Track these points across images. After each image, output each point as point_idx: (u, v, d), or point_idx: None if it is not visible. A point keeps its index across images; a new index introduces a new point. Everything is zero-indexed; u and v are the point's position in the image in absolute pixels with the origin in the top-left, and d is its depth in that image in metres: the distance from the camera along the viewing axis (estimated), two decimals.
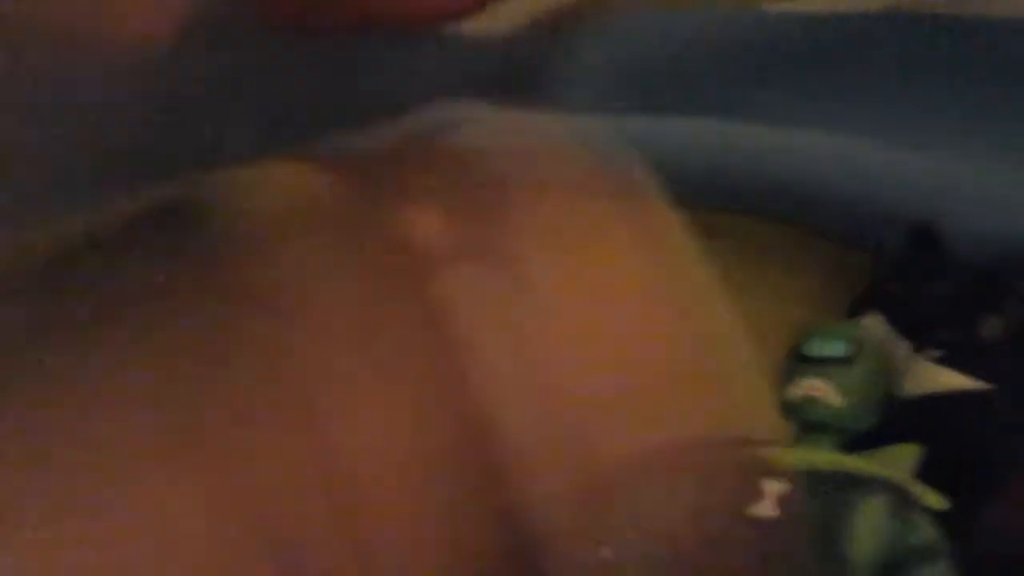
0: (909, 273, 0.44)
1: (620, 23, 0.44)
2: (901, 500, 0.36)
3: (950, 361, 0.42)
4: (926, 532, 0.37)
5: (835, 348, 0.39)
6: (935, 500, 0.38)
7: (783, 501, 0.35)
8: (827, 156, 0.44)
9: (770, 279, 0.43)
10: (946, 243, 0.44)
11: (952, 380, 0.42)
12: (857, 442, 0.40)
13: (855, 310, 0.45)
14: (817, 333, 0.40)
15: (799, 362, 0.39)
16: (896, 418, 0.44)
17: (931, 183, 0.45)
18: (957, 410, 0.41)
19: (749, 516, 0.33)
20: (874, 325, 0.44)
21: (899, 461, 0.39)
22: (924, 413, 0.42)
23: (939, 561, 0.36)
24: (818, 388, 0.38)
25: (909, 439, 0.43)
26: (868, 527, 0.35)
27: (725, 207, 0.43)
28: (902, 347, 0.44)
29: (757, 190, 0.43)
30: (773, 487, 0.35)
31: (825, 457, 0.37)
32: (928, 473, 0.42)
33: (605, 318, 0.18)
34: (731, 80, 0.45)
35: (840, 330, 0.40)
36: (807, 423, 0.38)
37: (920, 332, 0.44)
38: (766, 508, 0.34)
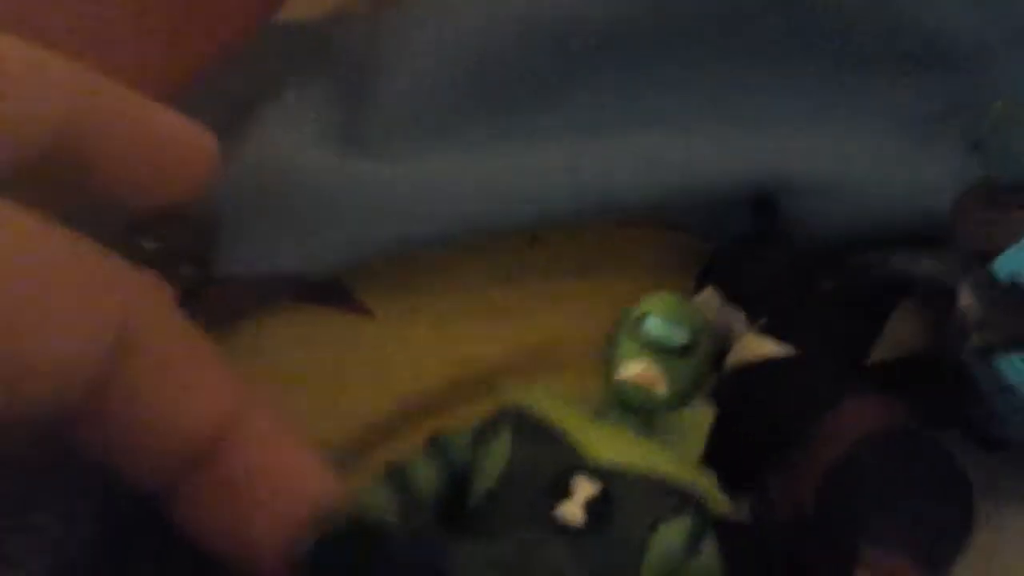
0: (741, 244, 0.43)
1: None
2: (698, 520, 0.34)
3: (771, 329, 0.41)
4: (711, 562, 0.34)
5: (675, 335, 0.36)
6: (725, 505, 0.35)
7: (590, 506, 0.32)
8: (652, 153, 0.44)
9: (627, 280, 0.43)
10: (783, 216, 0.42)
11: (763, 348, 0.40)
12: None
13: (698, 284, 0.44)
14: (659, 311, 0.36)
15: (633, 340, 0.36)
16: (718, 393, 0.42)
17: (774, 164, 0.43)
18: (759, 378, 0.40)
19: (551, 518, 0.32)
20: (709, 299, 0.43)
21: (693, 433, 0.37)
22: (732, 384, 0.41)
23: None
24: (646, 376, 0.35)
25: (720, 410, 0.41)
26: (664, 550, 0.33)
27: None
28: (736, 319, 0.42)
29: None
30: (584, 487, 0.33)
31: (640, 455, 0.35)
32: (727, 446, 0.40)
33: None
34: (572, 59, 0.45)
35: (682, 314, 0.37)
36: (626, 403, 0.36)
37: (752, 302, 0.42)
38: (573, 511, 0.32)
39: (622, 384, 0.36)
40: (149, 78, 0.34)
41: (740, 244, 0.45)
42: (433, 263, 0.45)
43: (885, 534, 0.36)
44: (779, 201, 0.45)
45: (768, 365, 0.41)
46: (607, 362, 0.37)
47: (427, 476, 0.35)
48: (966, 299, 0.38)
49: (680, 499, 0.34)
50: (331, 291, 0.42)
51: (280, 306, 0.42)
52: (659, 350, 0.36)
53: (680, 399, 0.37)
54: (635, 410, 0.36)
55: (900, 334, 0.45)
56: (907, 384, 0.42)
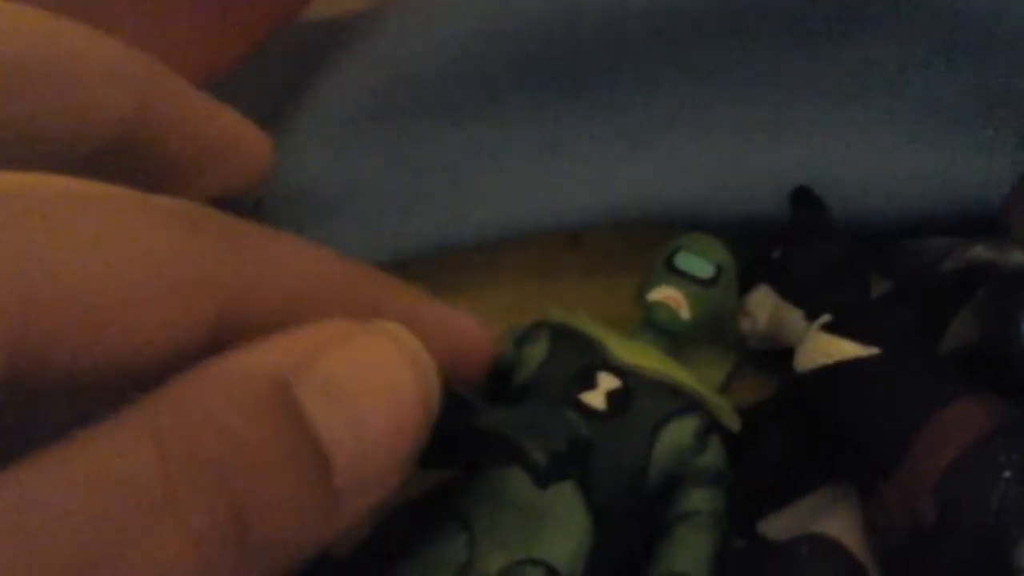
0: (792, 239, 0.41)
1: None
2: (705, 423, 0.38)
3: (839, 326, 0.39)
4: (717, 456, 0.38)
5: (702, 268, 0.41)
6: (732, 419, 0.39)
7: (611, 396, 0.37)
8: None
9: None
10: (827, 208, 0.41)
11: (840, 348, 0.38)
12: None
13: (745, 284, 0.42)
14: (690, 248, 0.42)
15: (667, 269, 0.41)
16: (793, 395, 0.40)
17: (801, 158, 0.42)
18: (845, 381, 0.38)
19: (578, 401, 0.36)
20: (763, 297, 0.41)
21: (714, 368, 0.42)
22: (816, 387, 0.39)
23: (716, 487, 0.37)
24: (674, 298, 0.40)
25: (804, 416, 0.40)
26: (672, 442, 0.37)
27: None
28: (796, 315, 0.40)
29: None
30: (606, 380, 0.37)
31: (659, 363, 0.39)
32: (823, 450, 0.38)
33: None
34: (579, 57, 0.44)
35: (711, 251, 0.42)
36: (653, 325, 0.41)
37: (809, 298, 0.40)
38: (596, 399, 0.37)
39: (652, 305, 0.41)
40: (185, 72, 0.32)
41: (789, 238, 0.43)
42: (473, 260, 0.44)
43: None
44: (822, 194, 0.44)
45: (858, 366, 0.39)
46: (641, 288, 0.42)
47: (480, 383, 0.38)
48: None
49: (689, 402, 0.38)
50: None
51: None
52: (686, 280, 0.41)
53: (701, 325, 0.41)
54: (662, 331, 0.41)
55: (955, 327, 0.44)
56: (983, 377, 0.42)
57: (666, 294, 0.40)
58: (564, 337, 0.39)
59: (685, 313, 0.40)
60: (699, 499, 0.37)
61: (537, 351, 0.39)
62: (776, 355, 0.42)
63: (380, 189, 0.43)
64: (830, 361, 0.40)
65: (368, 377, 0.22)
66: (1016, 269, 0.39)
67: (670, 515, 0.37)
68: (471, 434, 0.35)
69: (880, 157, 0.44)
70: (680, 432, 0.37)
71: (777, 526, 0.39)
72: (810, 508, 0.39)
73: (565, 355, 0.38)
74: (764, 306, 0.43)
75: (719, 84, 0.45)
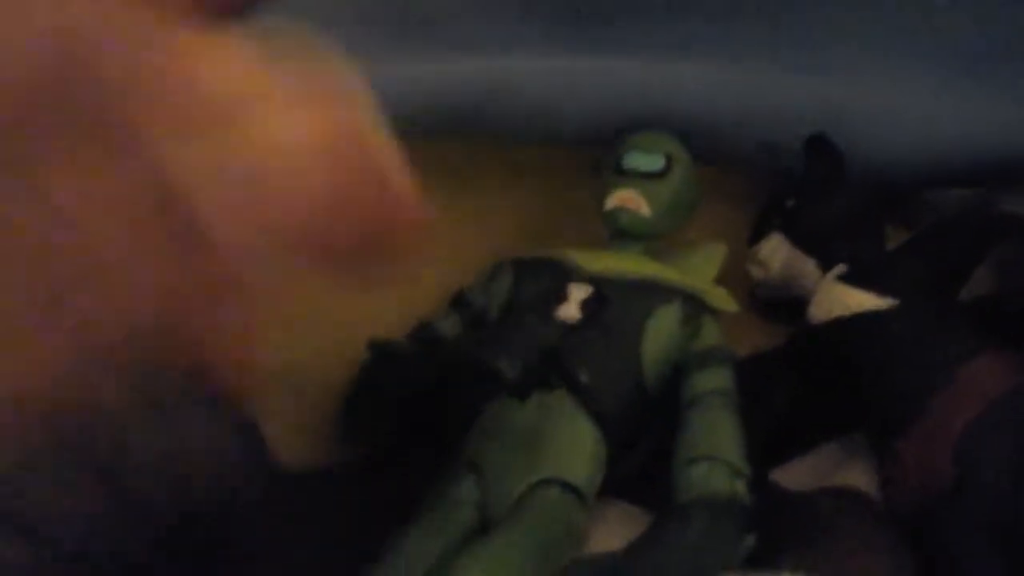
0: (807, 188, 0.40)
1: None
2: (693, 307, 0.38)
3: (855, 277, 0.37)
4: (712, 337, 0.38)
5: (650, 162, 0.41)
6: (727, 303, 0.39)
7: (585, 304, 0.36)
8: (705, 83, 0.41)
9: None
10: (844, 155, 0.40)
11: (857, 300, 0.37)
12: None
13: (758, 231, 0.41)
14: (636, 146, 0.41)
15: (617, 174, 0.41)
16: (806, 345, 0.39)
17: (827, 100, 0.41)
18: (863, 333, 0.37)
19: (554, 317, 0.36)
20: (777, 246, 0.40)
21: (706, 263, 0.41)
22: (832, 338, 0.37)
23: (721, 363, 0.37)
24: (630, 199, 0.40)
25: (819, 367, 0.39)
26: (659, 332, 0.37)
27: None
28: (809, 264, 0.39)
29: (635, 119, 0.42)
30: (578, 291, 0.37)
31: (631, 264, 0.39)
32: (835, 403, 0.37)
33: None
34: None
35: (657, 144, 0.41)
36: (620, 230, 0.41)
37: (824, 248, 0.39)
38: (570, 310, 0.36)
39: (611, 212, 0.41)
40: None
41: (803, 186, 0.42)
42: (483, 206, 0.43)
43: None
44: (837, 142, 0.42)
45: (875, 319, 0.37)
46: (597, 199, 0.41)
47: (452, 324, 0.39)
48: None
49: (669, 293, 0.38)
50: None
51: None
52: (639, 178, 0.41)
53: (665, 219, 0.41)
54: (630, 235, 0.41)
55: (975, 277, 0.43)
56: (1003, 328, 0.40)
57: (621, 197, 0.40)
58: (529, 265, 0.40)
59: (645, 210, 0.40)
60: (705, 380, 0.36)
61: (504, 283, 0.39)
62: (786, 306, 0.42)
63: None
64: (847, 313, 0.39)
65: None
66: None
67: (682, 403, 0.37)
68: (442, 363, 0.36)
69: (908, 101, 0.42)
70: (666, 321, 0.37)
71: (791, 477, 0.38)
72: (826, 460, 0.38)
73: (532, 279, 0.39)
74: (777, 255, 0.41)
75: (746, 18, 0.44)
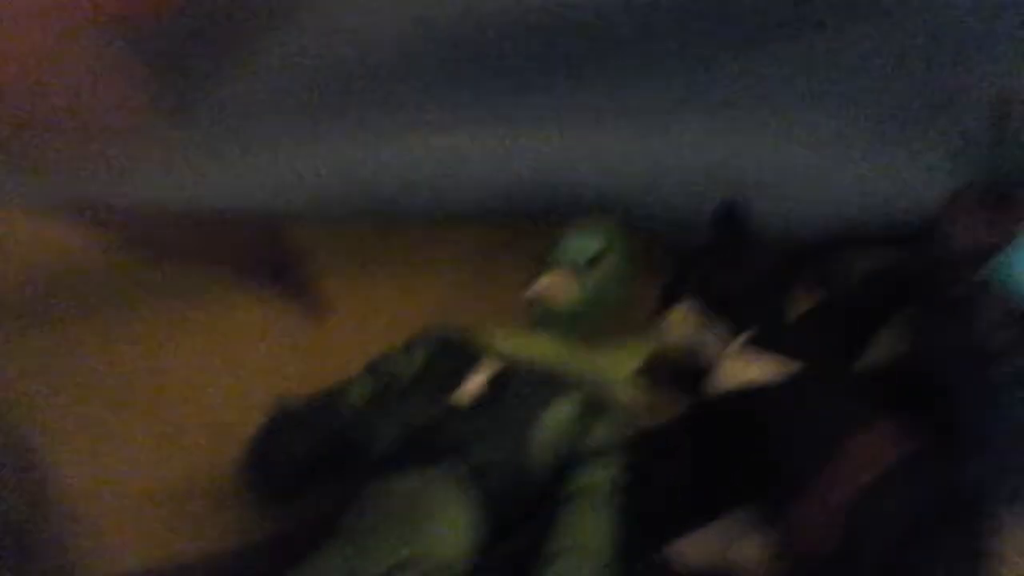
0: (717, 254, 0.41)
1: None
2: (593, 400, 0.39)
3: (760, 342, 0.38)
4: (605, 433, 0.39)
5: (584, 249, 0.42)
6: (631, 395, 0.40)
7: (486, 388, 0.38)
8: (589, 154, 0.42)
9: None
10: (753, 222, 0.40)
11: (755, 371, 0.38)
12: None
13: (667, 295, 0.42)
14: (573, 233, 0.42)
15: (552, 258, 0.43)
16: (705, 415, 0.40)
17: (735, 166, 0.41)
18: (759, 405, 0.38)
19: (451, 396, 0.37)
20: (686, 313, 0.41)
21: (627, 357, 0.42)
22: (729, 409, 0.39)
23: (608, 460, 0.38)
24: (557, 285, 0.41)
25: (719, 437, 0.39)
26: (552, 424, 0.39)
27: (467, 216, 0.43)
28: (715, 332, 0.40)
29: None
30: (481, 374, 0.38)
31: (542, 351, 0.40)
32: (738, 472, 0.38)
33: None
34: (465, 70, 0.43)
35: (594, 234, 0.42)
36: (544, 314, 0.42)
37: (732, 314, 0.40)
38: (469, 392, 0.38)
39: (537, 296, 0.42)
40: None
41: (713, 250, 0.42)
42: (396, 271, 0.44)
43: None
44: (749, 203, 0.43)
45: (772, 390, 0.38)
46: (531, 281, 0.43)
47: (362, 392, 0.41)
48: (987, 320, 0.36)
49: (571, 385, 0.39)
50: (290, 279, 0.43)
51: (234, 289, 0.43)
52: (572, 263, 0.42)
53: (594, 305, 0.42)
54: (551, 320, 0.42)
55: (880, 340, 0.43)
56: (901, 394, 0.41)
57: (547, 283, 0.42)
58: (445, 340, 0.41)
59: (568, 297, 0.42)
60: (585, 477, 0.38)
61: (418, 356, 0.41)
62: (691, 375, 0.42)
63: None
64: (744, 384, 0.39)
65: None
66: (951, 282, 0.38)
67: (563, 495, 0.38)
68: (334, 441, 0.38)
69: (816, 163, 0.43)
70: (561, 414, 0.39)
71: (693, 550, 0.39)
72: (727, 530, 0.39)
73: (445, 355, 0.40)
74: (687, 320, 0.42)
75: (659, 78, 0.44)
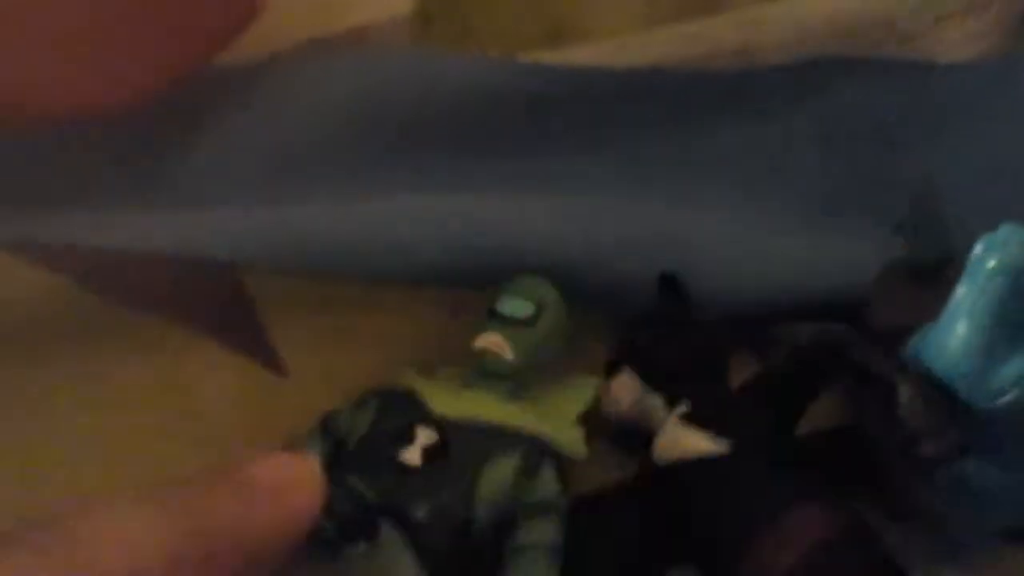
0: (655, 325, 0.42)
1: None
2: (536, 454, 0.40)
3: (695, 417, 0.39)
4: (547, 488, 0.39)
5: (519, 308, 0.42)
6: (576, 447, 0.41)
7: (427, 451, 0.38)
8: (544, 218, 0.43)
9: None
10: (693, 295, 0.42)
11: (693, 442, 0.39)
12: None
13: (612, 367, 0.43)
14: (508, 292, 0.43)
15: (490, 316, 0.43)
16: (649, 482, 0.41)
17: (680, 241, 0.43)
18: (695, 478, 0.39)
19: (397, 459, 0.37)
20: (627, 382, 0.42)
21: (573, 399, 0.43)
22: (669, 479, 0.39)
23: (550, 516, 0.39)
24: (495, 343, 0.42)
25: (662, 504, 0.40)
26: (494, 480, 0.39)
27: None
28: (657, 401, 0.41)
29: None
30: (423, 435, 0.39)
31: (483, 409, 0.41)
32: (682, 542, 0.39)
33: None
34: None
35: (530, 291, 0.43)
36: (483, 371, 0.42)
37: (669, 385, 0.41)
38: (413, 454, 0.38)
39: (477, 352, 0.43)
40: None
41: (653, 325, 0.43)
42: (357, 330, 0.45)
43: None
44: (684, 279, 0.44)
45: (707, 463, 0.39)
46: (472, 337, 0.43)
47: (314, 447, 0.41)
48: (907, 402, 0.38)
49: (512, 441, 0.40)
50: (253, 341, 0.44)
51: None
52: (507, 323, 0.43)
53: (528, 363, 0.42)
54: (492, 375, 0.42)
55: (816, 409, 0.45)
56: (833, 460, 0.42)
57: (488, 340, 0.42)
58: (391, 399, 0.41)
59: (508, 355, 0.41)
60: (527, 533, 0.38)
61: (367, 414, 0.41)
62: (640, 437, 0.43)
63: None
64: (683, 455, 0.40)
65: None
66: (874, 361, 0.39)
67: (506, 549, 0.38)
68: None
69: (756, 240, 0.44)
70: (502, 470, 0.39)
71: None
72: None
73: (390, 417, 0.40)
74: (628, 390, 0.43)
75: (598, 154, 0.47)
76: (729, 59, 0.46)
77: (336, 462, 0.40)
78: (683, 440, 0.41)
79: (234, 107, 0.44)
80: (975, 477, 0.38)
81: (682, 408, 0.42)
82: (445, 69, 0.46)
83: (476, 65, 0.46)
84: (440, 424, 0.39)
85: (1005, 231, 0.38)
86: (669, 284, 0.44)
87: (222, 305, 0.43)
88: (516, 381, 0.42)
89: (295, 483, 0.26)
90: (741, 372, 0.44)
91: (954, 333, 0.37)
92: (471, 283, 0.44)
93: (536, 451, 0.39)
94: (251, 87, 0.45)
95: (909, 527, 0.41)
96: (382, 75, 0.44)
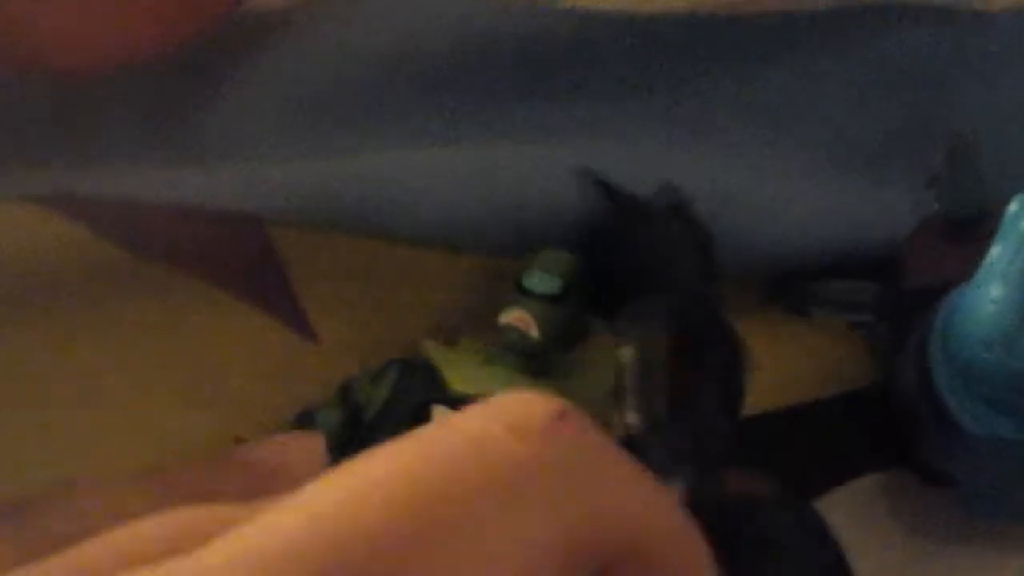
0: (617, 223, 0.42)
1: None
2: None
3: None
4: None
5: (548, 283, 0.41)
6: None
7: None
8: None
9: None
10: (730, 246, 0.41)
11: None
12: None
13: None
14: (537, 266, 0.42)
15: (517, 291, 0.42)
16: None
17: (716, 190, 0.42)
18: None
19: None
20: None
21: (599, 377, 0.40)
22: None
23: None
24: (522, 319, 0.41)
25: None
26: None
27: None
28: None
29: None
30: (439, 415, 0.39)
31: (502, 386, 0.39)
32: None
33: None
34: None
35: (559, 267, 0.42)
36: (507, 347, 0.41)
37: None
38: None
39: (503, 328, 0.42)
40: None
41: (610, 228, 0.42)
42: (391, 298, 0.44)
43: None
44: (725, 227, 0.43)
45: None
46: (497, 311, 0.42)
47: (332, 416, 0.40)
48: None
49: None
50: (282, 302, 0.43)
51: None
52: (534, 299, 0.42)
53: (555, 342, 0.42)
54: (516, 352, 0.42)
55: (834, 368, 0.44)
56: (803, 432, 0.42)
57: (514, 316, 0.41)
58: (410, 373, 0.41)
59: (534, 332, 0.41)
60: None
61: (384, 388, 0.40)
62: None
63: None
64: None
65: None
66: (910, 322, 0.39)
67: None
68: None
69: (795, 190, 0.43)
70: None
71: None
72: None
73: (407, 392, 0.40)
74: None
75: (636, 101, 0.45)
76: (772, 3, 0.45)
77: (352, 436, 0.40)
78: None
79: (262, 53, 0.44)
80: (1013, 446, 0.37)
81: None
82: (479, 12, 0.45)
83: (510, 9, 0.45)
84: (456, 404, 0.39)
85: None
86: (603, 185, 0.43)
87: (250, 262, 0.42)
88: (540, 359, 0.41)
89: (298, 464, 0.26)
90: (777, 328, 0.44)
91: (987, 296, 0.36)
92: (510, 245, 0.43)
93: None
94: (278, 33, 0.44)
95: (937, 493, 0.40)
96: (413, 18, 0.44)
